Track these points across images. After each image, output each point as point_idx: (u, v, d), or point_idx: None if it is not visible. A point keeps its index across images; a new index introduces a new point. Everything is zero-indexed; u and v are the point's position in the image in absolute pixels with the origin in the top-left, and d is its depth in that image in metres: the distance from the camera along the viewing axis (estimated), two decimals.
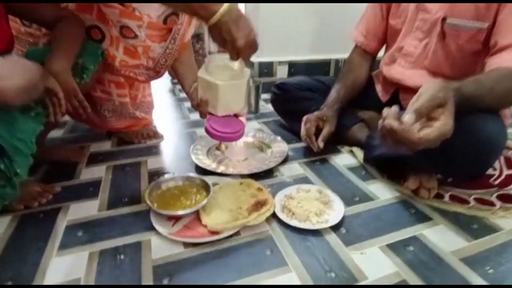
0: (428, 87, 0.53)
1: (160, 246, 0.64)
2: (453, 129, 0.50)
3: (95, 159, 0.98)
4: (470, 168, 0.67)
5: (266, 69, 1.61)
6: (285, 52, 1.63)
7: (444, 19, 0.81)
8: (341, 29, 1.59)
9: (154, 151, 1.04)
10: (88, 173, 0.90)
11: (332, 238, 0.65)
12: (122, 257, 0.61)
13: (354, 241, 0.65)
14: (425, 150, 0.52)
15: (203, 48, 1.82)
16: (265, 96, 1.52)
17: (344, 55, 1.64)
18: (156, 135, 1.13)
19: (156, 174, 0.89)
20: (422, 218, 0.72)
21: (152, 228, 0.67)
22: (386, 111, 0.54)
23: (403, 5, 0.93)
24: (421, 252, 0.62)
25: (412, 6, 0.90)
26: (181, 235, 0.64)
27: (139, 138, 1.09)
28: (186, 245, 0.63)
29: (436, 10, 0.83)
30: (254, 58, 1.61)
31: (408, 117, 0.49)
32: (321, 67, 1.69)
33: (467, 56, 0.83)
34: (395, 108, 0.54)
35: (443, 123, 0.50)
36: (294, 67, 1.64)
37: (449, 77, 0.87)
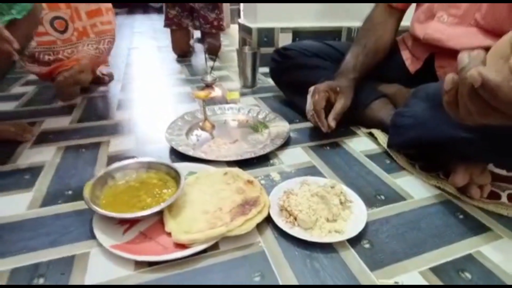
0: None
1: (101, 264, 0.43)
2: None
3: (45, 138, 0.77)
4: None
5: (266, 37, 1.38)
6: (288, 17, 1.39)
7: None
8: None
9: (120, 129, 0.83)
10: (29, 156, 0.69)
11: (351, 257, 0.45)
12: (40, 281, 0.41)
13: (383, 262, 0.44)
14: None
15: (219, 19, 1.57)
16: (264, 69, 1.30)
17: (358, 23, 1.41)
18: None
19: (117, 159, 0.68)
20: (477, 227, 0.51)
21: (95, 236, 0.47)
22: (465, 56, 0.32)
23: None
24: (483, 280, 0.42)
25: None
26: (131, 250, 0.44)
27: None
28: (139, 264, 0.43)
29: None
30: (252, 24, 1.37)
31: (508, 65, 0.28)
32: (331, 36, 1.44)
33: None
34: (479, 53, 0.32)
35: None
36: (299, 36, 1.40)
37: None
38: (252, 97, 1.07)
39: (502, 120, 0.31)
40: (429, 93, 0.64)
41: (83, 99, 1.03)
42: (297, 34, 1.40)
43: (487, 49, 0.64)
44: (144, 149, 0.73)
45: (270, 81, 1.11)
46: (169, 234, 0.46)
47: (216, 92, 0.89)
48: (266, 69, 1.28)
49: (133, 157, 0.68)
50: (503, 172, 0.64)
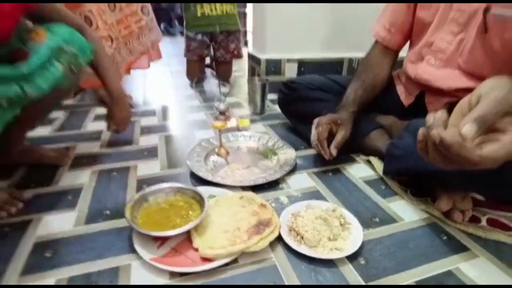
0: (492, 86, 0.40)
1: (141, 274, 0.53)
2: None
3: (80, 162, 0.88)
4: None
5: (274, 67, 1.50)
6: (294, 49, 1.51)
7: (486, 10, 0.69)
8: (356, 25, 1.48)
9: (146, 154, 0.93)
10: (69, 179, 0.79)
11: (349, 271, 0.54)
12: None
13: (376, 276, 0.53)
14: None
15: (238, 48, 1.72)
16: (272, 96, 1.41)
17: (358, 54, 1.53)
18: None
19: (145, 183, 0.78)
20: (457, 247, 0.60)
21: (135, 251, 0.56)
22: (431, 117, 0.42)
23: None
24: None
25: None
26: (166, 262, 0.53)
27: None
28: (173, 274, 0.52)
29: None
30: (261, 55, 1.50)
31: (468, 128, 0.37)
32: (333, 66, 1.56)
33: None
34: (442, 113, 0.42)
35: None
36: (304, 66, 1.52)
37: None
38: (261, 124, 1.17)
39: (458, 168, 0.40)
40: (417, 128, 0.73)
41: None
42: (302, 64, 1.52)
43: (469, 90, 0.75)
44: (168, 174, 0.83)
45: (277, 108, 1.21)
46: (196, 249, 0.55)
47: (231, 122, 1.00)
48: (273, 96, 1.39)
49: (160, 181, 0.79)
50: (483, 198, 0.72)
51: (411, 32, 0.91)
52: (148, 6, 1.33)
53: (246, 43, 3.16)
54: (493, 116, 0.37)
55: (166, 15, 4.45)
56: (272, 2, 1.40)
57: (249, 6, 3.19)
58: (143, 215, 0.62)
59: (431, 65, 0.83)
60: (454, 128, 0.39)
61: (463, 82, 0.78)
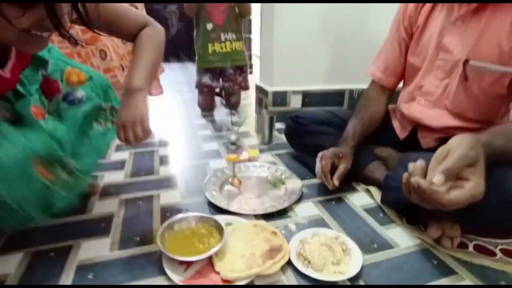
0: (457, 143, 0.50)
1: None
2: (483, 189, 0.48)
3: (108, 191, 0.98)
4: (500, 226, 0.64)
5: (280, 98, 1.62)
6: (299, 81, 1.63)
7: (466, 61, 0.80)
8: (355, 59, 1.60)
9: (166, 183, 1.03)
10: (100, 207, 0.89)
11: None
12: None
13: None
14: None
15: (245, 81, 1.86)
16: (278, 125, 1.52)
17: (358, 85, 1.65)
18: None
19: (168, 211, 0.88)
20: (446, 271, 0.68)
21: (164, 273, 0.65)
22: (412, 166, 0.52)
23: (423, 42, 0.92)
24: None
25: (432, 45, 0.88)
26: (193, 283, 0.62)
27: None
28: None
29: (458, 51, 0.82)
30: (268, 88, 1.62)
31: (437, 178, 0.47)
32: (335, 97, 1.68)
33: (491, 99, 0.80)
34: (421, 163, 0.52)
35: (474, 185, 0.47)
36: (308, 97, 1.64)
37: (472, 119, 0.86)
38: (269, 154, 1.28)
39: (433, 207, 0.49)
40: (405, 162, 0.83)
41: (130, 155, 1.25)
42: (306, 95, 1.64)
43: (455, 128, 0.86)
44: (188, 202, 0.93)
45: (283, 138, 1.31)
46: (217, 272, 0.64)
47: (243, 155, 1.10)
48: (279, 125, 1.50)
49: (180, 209, 0.88)
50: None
51: (404, 74, 1.02)
52: None
53: (251, 66, 3.33)
54: (457, 168, 0.47)
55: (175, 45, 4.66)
56: (281, 2, 1.49)
57: (254, 32, 3.38)
58: (170, 241, 0.71)
59: (422, 105, 0.93)
60: (437, 167, 0.49)
61: (450, 121, 0.88)
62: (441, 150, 0.53)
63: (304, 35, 1.56)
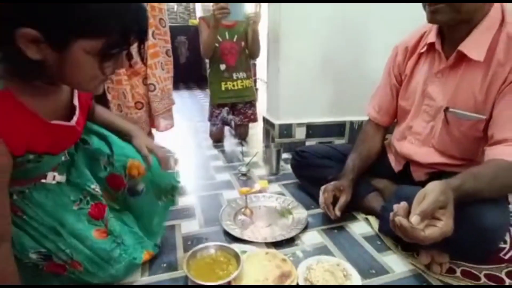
0: (431, 189, 0.62)
1: None
2: (453, 227, 0.59)
3: None
4: (473, 255, 0.74)
5: (286, 130, 1.75)
6: (303, 114, 1.77)
7: (447, 108, 0.93)
8: (354, 94, 1.74)
9: (185, 214, 1.14)
10: None
11: None
12: None
13: None
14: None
15: (254, 114, 2.02)
16: (285, 155, 1.64)
17: (358, 117, 1.78)
18: None
19: (189, 239, 0.99)
20: None
21: None
22: (396, 207, 0.63)
23: (411, 88, 1.05)
24: None
25: (418, 91, 1.02)
26: None
27: None
28: None
29: (439, 99, 0.95)
30: (275, 121, 1.76)
31: (414, 218, 0.59)
32: (336, 128, 1.81)
33: (470, 140, 0.92)
34: (404, 205, 0.63)
35: (444, 224, 0.59)
36: (311, 129, 1.78)
37: (456, 157, 0.97)
38: (277, 184, 1.40)
39: (413, 241, 0.61)
40: (401, 196, 0.94)
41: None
42: (310, 127, 1.77)
43: (442, 164, 0.98)
44: (206, 231, 1.04)
45: (290, 168, 1.43)
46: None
47: (255, 188, 1.22)
48: (286, 155, 1.63)
49: (200, 238, 0.99)
50: None
51: (396, 114, 1.15)
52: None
53: (256, 90, 3.50)
54: (430, 211, 0.59)
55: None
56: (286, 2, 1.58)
57: (259, 60, 3.56)
58: (193, 268, 0.82)
59: (412, 143, 1.06)
60: (416, 207, 0.61)
61: (437, 158, 1.00)
62: (420, 193, 0.64)
63: (307, 73, 1.71)
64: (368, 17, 1.66)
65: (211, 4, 1.70)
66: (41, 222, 0.66)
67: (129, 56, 0.57)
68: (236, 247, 0.88)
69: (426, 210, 0.59)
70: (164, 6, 1.46)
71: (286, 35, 1.63)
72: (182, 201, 1.24)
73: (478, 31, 0.83)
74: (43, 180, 0.68)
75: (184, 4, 6.35)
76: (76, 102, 0.67)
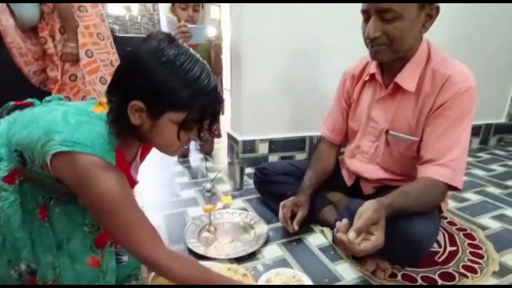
0: (366, 208, 0.72)
1: None
2: (383, 240, 0.69)
3: None
4: (406, 262, 0.86)
5: (249, 146, 1.83)
6: (265, 131, 1.86)
7: (387, 131, 1.05)
8: (312, 110, 1.87)
9: None
10: None
11: None
12: None
13: None
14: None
15: (218, 130, 2.06)
16: (249, 170, 1.71)
17: (317, 133, 1.90)
18: None
19: None
20: None
21: None
22: (338, 224, 0.72)
23: (358, 112, 1.17)
24: None
25: (364, 115, 1.14)
26: None
27: None
28: None
29: (382, 122, 1.07)
30: (239, 137, 1.83)
31: (351, 235, 0.68)
32: (297, 143, 1.92)
33: (408, 159, 1.05)
34: (345, 221, 0.73)
35: (376, 238, 0.69)
36: (273, 144, 1.87)
37: (397, 173, 1.10)
38: (241, 200, 1.46)
39: (353, 254, 0.70)
40: (351, 209, 1.04)
41: None
42: (272, 143, 1.87)
43: (387, 179, 1.09)
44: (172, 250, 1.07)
45: (252, 183, 1.49)
46: None
47: (218, 205, 1.28)
48: (250, 170, 1.70)
49: None
50: None
51: (347, 134, 1.27)
52: None
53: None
54: (364, 227, 0.69)
55: None
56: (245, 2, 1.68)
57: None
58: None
59: (360, 161, 1.17)
60: (356, 220, 0.70)
61: (382, 174, 1.12)
62: (358, 212, 0.74)
63: (268, 91, 1.80)
64: (318, 44, 1.80)
65: (175, 18, 1.74)
66: (57, 230, 0.70)
67: (200, 130, 0.70)
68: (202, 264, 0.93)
69: (361, 227, 0.69)
70: (97, 20, 1.53)
71: (247, 56, 1.72)
72: None
73: (409, 66, 0.97)
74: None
75: (147, 15, 6.31)
76: (138, 158, 0.81)
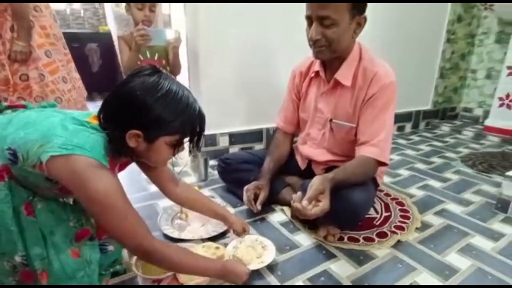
0: (314, 181, 0.90)
1: None
2: (329, 205, 0.88)
3: None
4: (347, 224, 1.07)
5: (210, 140, 1.95)
6: (225, 125, 1.99)
7: (331, 120, 1.25)
8: (267, 104, 2.03)
9: None
10: None
11: (272, 279, 0.96)
12: None
13: (287, 279, 0.96)
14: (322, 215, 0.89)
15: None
16: (212, 162, 1.83)
17: (272, 124, 2.08)
18: None
19: None
20: (330, 256, 1.07)
21: None
22: (294, 196, 0.89)
23: (307, 104, 1.36)
24: (328, 280, 0.96)
25: (312, 106, 1.32)
26: None
27: None
28: None
29: (326, 112, 1.27)
30: None
31: (304, 203, 0.86)
32: (255, 135, 2.08)
33: (348, 142, 1.25)
34: (299, 194, 0.90)
35: (323, 204, 0.87)
36: (233, 137, 2.01)
37: (340, 155, 1.30)
38: (207, 189, 1.58)
39: (307, 218, 0.87)
40: (305, 188, 1.22)
41: None
42: (232, 136, 2.00)
43: (333, 161, 1.29)
44: None
45: (217, 174, 1.62)
46: (182, 284, 0.92)
47: None
48: (213, 162, 1.82)
49: None
50: None
51: (299, 124, 1.45)
52: None
53: None
54: (314, 196, 0.87)
55: None
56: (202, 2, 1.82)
57: None
58: (143, 267, 0.96)
59: (310, 146, 1.36)
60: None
61: (329, 156, 1.32)
62: (309, 185, 0.92)
63: (226, 87, 1.93)
64: (271, 43, 1.97)
65: (125, 14, 1.76)
66: (42, 224, 0.76)
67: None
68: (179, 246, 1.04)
69: (311, 196, 0.87)
70: (51, 20, 1.55)
71: (204, 55, 1.83)
72: None
73: (346, 64, 1.17)
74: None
75: (91, 9, 6.00)
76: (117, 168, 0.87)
